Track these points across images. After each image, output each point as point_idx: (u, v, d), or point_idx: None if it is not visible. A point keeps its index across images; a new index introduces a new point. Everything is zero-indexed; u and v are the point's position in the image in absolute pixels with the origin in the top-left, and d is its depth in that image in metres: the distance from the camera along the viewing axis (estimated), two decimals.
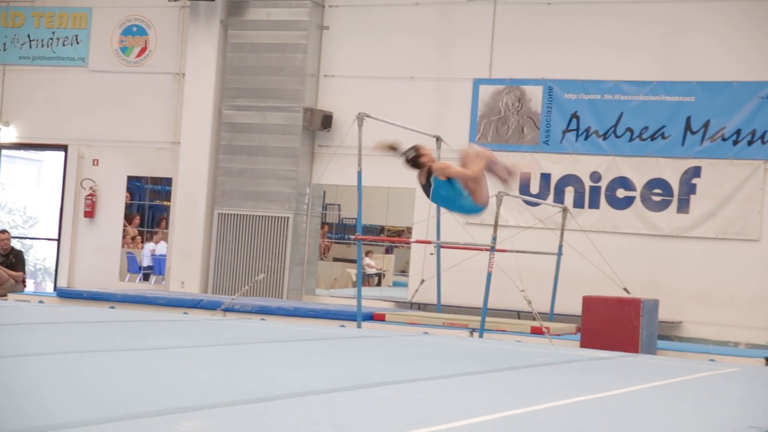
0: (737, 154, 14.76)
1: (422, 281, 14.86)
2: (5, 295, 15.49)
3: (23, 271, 17.31)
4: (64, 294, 14.71)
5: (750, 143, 14.72)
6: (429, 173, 9.22)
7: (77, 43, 18.27)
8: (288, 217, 16.65)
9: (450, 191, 9.05)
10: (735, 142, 14.78)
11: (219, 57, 17.10)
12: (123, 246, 18.03)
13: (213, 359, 6.88)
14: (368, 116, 12.50)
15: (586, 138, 15.47)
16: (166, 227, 17.84)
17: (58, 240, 18.34)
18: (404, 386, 5.89)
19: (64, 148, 18.30)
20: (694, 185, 14.96)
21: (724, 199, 14.78)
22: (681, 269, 14.87)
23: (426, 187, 9.29)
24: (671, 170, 15.02)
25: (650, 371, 8.28)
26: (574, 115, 15.54)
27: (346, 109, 16.28)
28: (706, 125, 14.92)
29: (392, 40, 16.53)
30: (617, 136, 15.28)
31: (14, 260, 17.22)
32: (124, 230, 18.04)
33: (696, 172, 14.96)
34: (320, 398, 5.13)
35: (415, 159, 9.20)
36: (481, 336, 11.99)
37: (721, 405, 6.32)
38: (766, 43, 14.72)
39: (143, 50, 17.91)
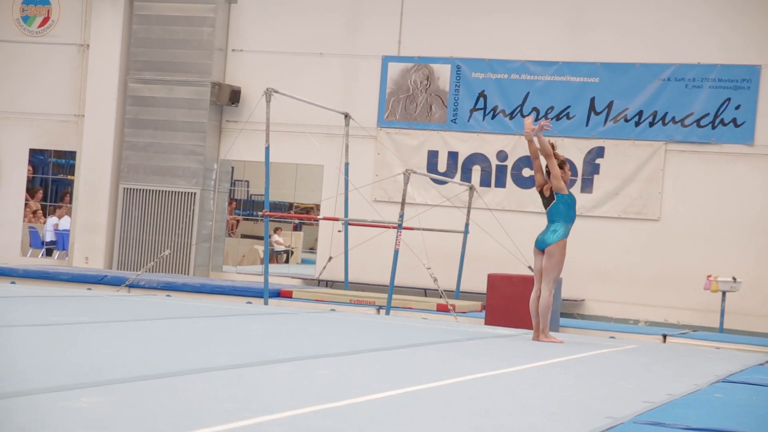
0: (639, 135, 15.06)
1: (330, 258, 14.87)
2: None
3: None
4: None
5: (651, 124, 15.03)
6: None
7: None
8: (195, 193, 16.48)
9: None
10: (637, 123, 15.08)
11: (124, 28, 16.79)
12: (25, 220, 17.65)
13: (116, 335, 6.80)
14: (276, 92, 12.43)
15: (493, 117, 15.63)
16: (70, 202, 17.51)
17: None
18: (308, 362, 5.91)
19: None
20: (598, 165, 15.24)
21: (626, 179, 15.09)
22: (584, 248, 15.14)
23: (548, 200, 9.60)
24: (576, 150, 15.26)
25: (552, 348, 8.44)
26: (482, 94, 15.67)
27: (254, 84, 16.15)
28: (609, 106, 15.19)
29: (301, 16, 16.43)
30: (524, 116, 15.46)
31: None
32: (26, 204, 17.65)
33: (599, 152, 15.24)
34: (223, 374, 5.12)
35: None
36: (387, 313, 12.07)
37: (619, 380, 6.49)
38: (667, 25, 15.02)
39: (46, 20, 17.48)
